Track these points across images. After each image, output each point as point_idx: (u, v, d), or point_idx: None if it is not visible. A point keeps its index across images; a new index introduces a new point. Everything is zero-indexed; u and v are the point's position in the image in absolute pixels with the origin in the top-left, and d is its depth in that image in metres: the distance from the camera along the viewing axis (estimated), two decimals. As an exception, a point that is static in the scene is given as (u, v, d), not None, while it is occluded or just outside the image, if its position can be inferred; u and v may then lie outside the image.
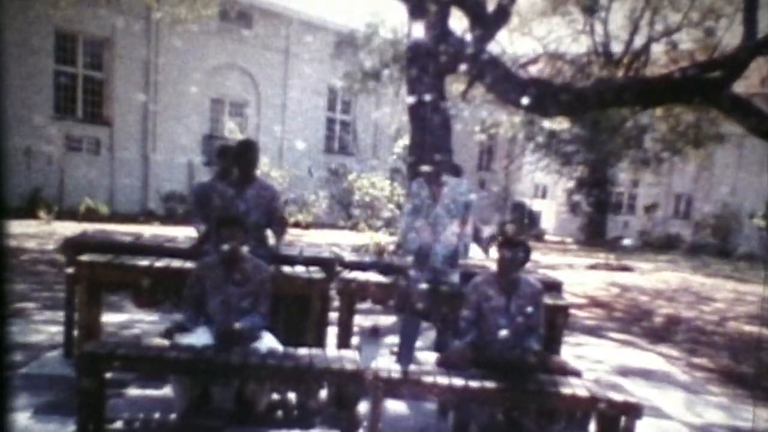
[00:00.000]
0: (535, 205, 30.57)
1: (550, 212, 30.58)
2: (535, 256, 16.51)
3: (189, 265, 4.36)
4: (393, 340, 6.35)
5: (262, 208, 4.62)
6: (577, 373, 3.78)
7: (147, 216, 18.33)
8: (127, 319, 6.17)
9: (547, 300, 4.26)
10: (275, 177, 16.74)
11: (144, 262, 4.30)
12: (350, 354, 3.70)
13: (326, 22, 23.23)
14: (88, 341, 4.34)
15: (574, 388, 3.45)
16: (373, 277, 4.54)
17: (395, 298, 4.53)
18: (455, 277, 4.83)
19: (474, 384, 3.42)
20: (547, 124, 21.55)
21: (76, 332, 4.73)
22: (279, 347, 3.77)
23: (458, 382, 3.42)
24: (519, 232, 21.28)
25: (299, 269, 4.57)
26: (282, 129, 22.42)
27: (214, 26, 20.59)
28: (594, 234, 25.56)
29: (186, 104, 20.43)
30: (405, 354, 4.96)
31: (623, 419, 3.42)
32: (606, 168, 25.19)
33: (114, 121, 19.28)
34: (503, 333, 3.89)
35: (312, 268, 4.65)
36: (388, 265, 5.03)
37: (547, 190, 31.89)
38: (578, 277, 12.95)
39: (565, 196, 29.19)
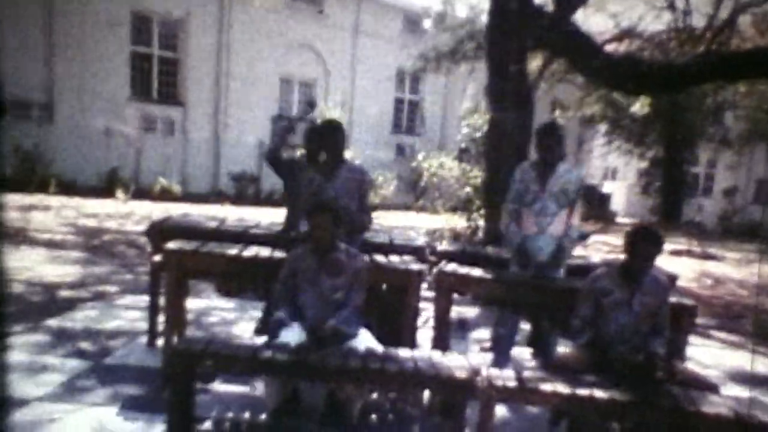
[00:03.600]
0: (605, 186, 29.58)
1: (620, 194, 29.55)
2: (609, 239, 15.83)
3: (278, 254, 4.12)
4: (480, 334, 6.02)
5: (352, 193, 4.34)
6: (713, 388, 3.35)
7: (218, 196, 18.46)
8: (205, 306, 6.03)
9: (671, 297, 3.82)
10: (346, 157, 16.53)
11: (232, 251, 4.07)
12: (459, 358, 3.37)
13: (396, 0, 22.76)
14: (174, 331, 4.18)
15: (717, 406, 3.02)
16: (474, 270, 4.18)
17: (497, 294, 4.15)
18: (561, 272, 4.45)
19: (600, 394, 3.03)
20: (624, 102, 20.55)
21: (160, 318, 4.61)
22: (377, 346, 3.48)
23: (582, 391, 3.04)
24: (588, 215, 20.51)
25: (394, 259, 4.26)
26: (350, 108, 22.17)
27: (284, 5, 20.46)
28: (668, 217, 24.40)
29: (256, 84, 20.42)
30: (503, 354, 4.62)
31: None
32: (683, 147, 23.94)
33: (187, 101, 19.44)
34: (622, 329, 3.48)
35: (406, 258, 4.34)
36: (487, 257, 4.67)
37: (617, 172, 30.85)
38: (662, 264, 12.23)
39: (636, 177, 28.06)
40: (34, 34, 16.50)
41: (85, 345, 4.64)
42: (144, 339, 4.83)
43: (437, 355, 3.41)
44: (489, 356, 5.32)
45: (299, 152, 5.30)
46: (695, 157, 25.93)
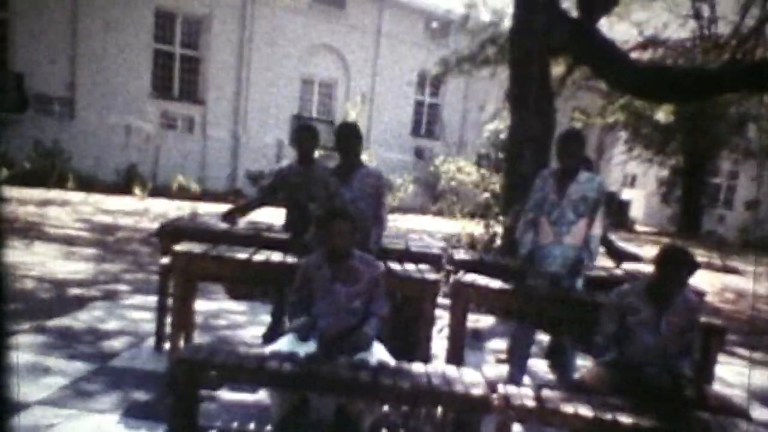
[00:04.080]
0: (624, 194, 29.25)
1: (639, 202, 29.20)
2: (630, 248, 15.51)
3: (290, 259, 3.98)
4: (496, 344, 5.85)
5: (369, 198, 4.20)
6: (743, 413, 3.16)
7: (235, 195, 18.40)
8: (216, 308, 5.91)
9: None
10: (363, 160, 16.40)
11: (242, 255, 3.93)
12: (474, 374, 3.21)
13: (419, 2, 22.60)
14: (180, 335, 4.07)
15: (750, 435, 2.84)
16: (493, 281, 4.01)
17: (516, 306, 3.98)
18: (577, 284, 4.27)
19: (625, 420, 2.86)
20: (647, 110, 20.20)
21: (168, 320, 4.51)
22: (389, 359, 3.33)
23: (606, 415, 2.87)
24: (615, 224, 20.20)
25: (409, 267, 4.10)
26: (370, 110, 22.04)
27: (307, 6, 20.42)
28: (687, 226, 23.98)
29: (277, 84, 20.38)
30: (519, 366, 4.45)
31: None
32: (705, 157, 23.52)
33: (207, 99, 19.44)
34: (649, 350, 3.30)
35: (422, 266, 4.18)
36: (506, 267, 4.50)
37: (636, 179, 30.50)
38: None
39: (656, 186, 27.68)
40: (58, 29, 16.58)
41: (90, 346, 4.53)
42: (151, 341, 4.72)
43: (452, 370, 3.26)
44: (505, 368, 5.16)
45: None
46: (717, 167, 25.49)
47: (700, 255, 15.91)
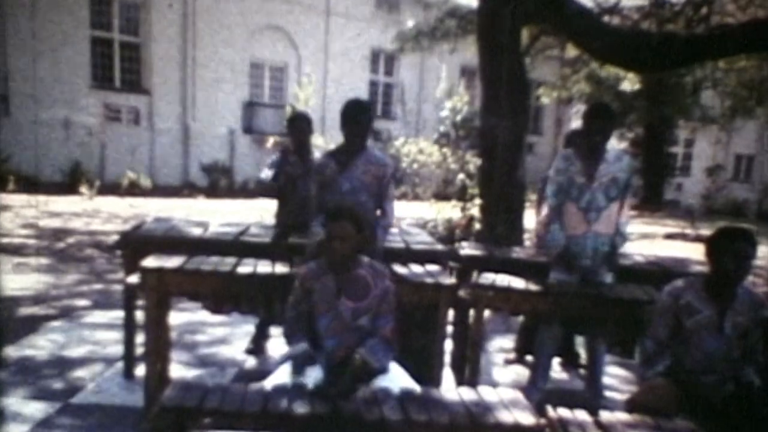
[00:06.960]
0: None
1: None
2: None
3: (280, 268, 3.43)
4: (499, 342, 5.41)
5: (372, 188, 3.60)
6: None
7: (190, 188, 17.56)
8: (190, 321, 5.28)
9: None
10: (318, 145, 15.76)
11: (224, 268, 3.36)
12: (514, 395, 2.74)
13: (368, -23, 21.91)
14: (156, 363, 3.48)
15: None
16: (516, 281, 3.52)
17: (544, 308, 3.50)
18: (608, 278, 3.81)
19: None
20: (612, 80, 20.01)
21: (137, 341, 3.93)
22: (414, 385, 2.83)
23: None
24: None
25: (417, 269, 3.59)
26: (323, 93, 21.31)
27: (253, -14, 19.53)
28: (649, 198, 24.09)
29: (225, 69, 19.46)
30: (542, 371, 4.00)
31: None
32: (665, 126, 23.59)
33: (152, 89, 18.44)
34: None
35: (430, 268, 3.66)
36: (520, 261, 4.02)
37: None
38: (662, 251, 11.73)
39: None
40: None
41: (50, 380, 3.89)
42: (120, 367, 4.11)
43: (488, 393, 2.77)
44: (516, 370, 4.74)
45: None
46: (675, 136, 25.68)
47: (672, 226, 15.86)
